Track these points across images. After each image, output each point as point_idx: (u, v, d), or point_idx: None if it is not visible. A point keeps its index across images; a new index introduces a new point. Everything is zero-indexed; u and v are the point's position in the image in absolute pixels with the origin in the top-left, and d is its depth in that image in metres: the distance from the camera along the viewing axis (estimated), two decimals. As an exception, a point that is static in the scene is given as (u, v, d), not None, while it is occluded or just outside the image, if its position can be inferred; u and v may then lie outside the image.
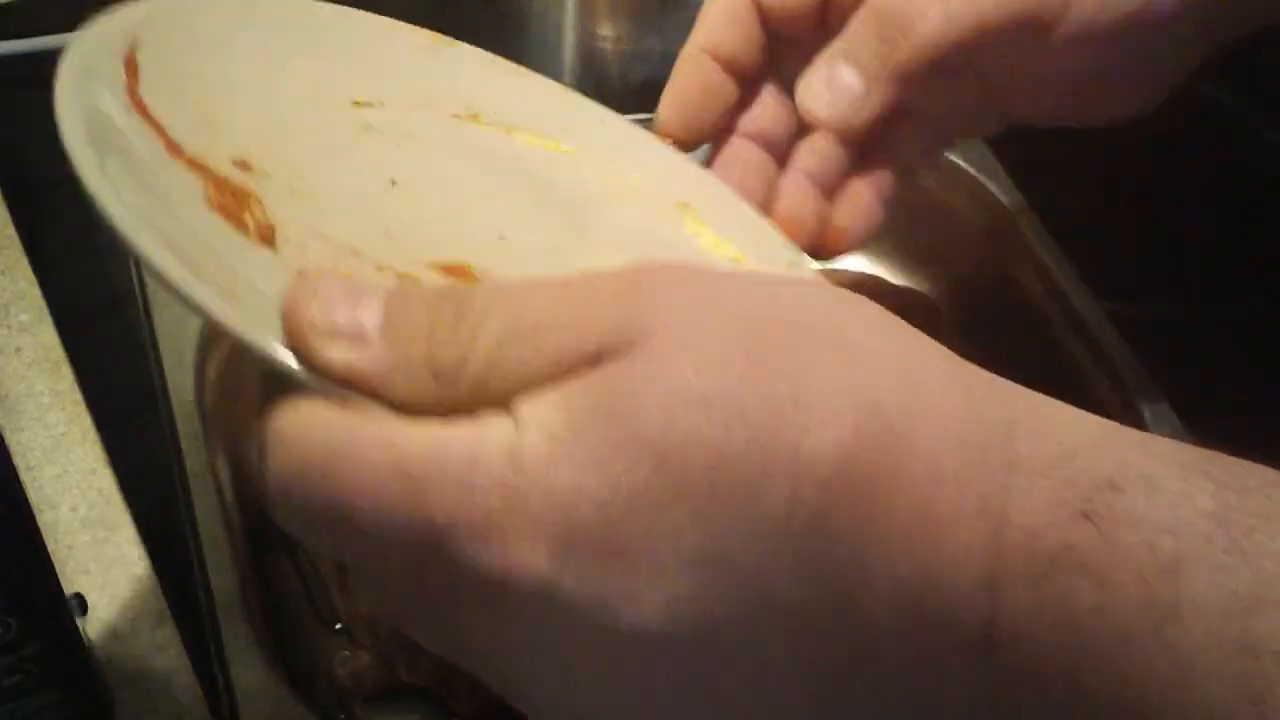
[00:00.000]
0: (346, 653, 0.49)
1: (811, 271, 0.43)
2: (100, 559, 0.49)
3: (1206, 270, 0.62)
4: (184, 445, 0.47)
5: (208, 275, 0.28)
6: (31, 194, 0.64)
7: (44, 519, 0.50)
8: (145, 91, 0.35)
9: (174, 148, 0.34)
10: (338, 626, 0.49)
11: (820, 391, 0.25)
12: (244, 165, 0.35)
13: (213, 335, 0.41)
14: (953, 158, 0.59)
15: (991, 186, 0.60)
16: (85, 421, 0.54)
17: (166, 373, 0.49)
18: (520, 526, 0.25)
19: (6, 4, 0.73)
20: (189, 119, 0.36)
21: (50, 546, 0.48)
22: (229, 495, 0.48)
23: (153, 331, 0.50)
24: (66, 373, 0.56)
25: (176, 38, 0.38)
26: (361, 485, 0.26)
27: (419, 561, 0.26)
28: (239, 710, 0.41)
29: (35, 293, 0.59)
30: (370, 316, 0.27)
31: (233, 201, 0.33)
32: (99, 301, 0.60)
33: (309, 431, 0.27)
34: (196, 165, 0.34)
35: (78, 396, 0.55)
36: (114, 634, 0.47)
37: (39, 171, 0.67)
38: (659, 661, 0.26)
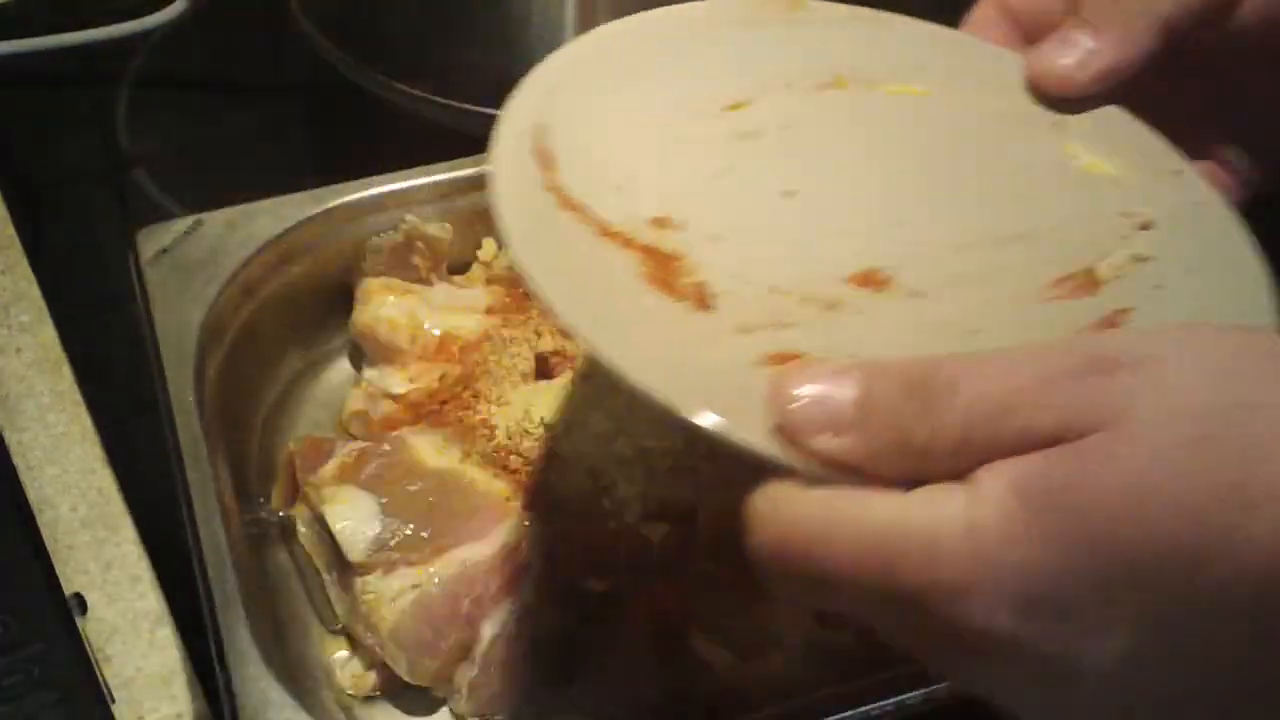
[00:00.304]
0: (346, 653, 0.49)
1: (1196, 179, 0.42)
2: (100, 559, 0.49)
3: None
4: (184, 445, 0.47)
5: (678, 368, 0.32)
6: (31, 194, 0.64)
7: (44, 519, 0.50)
8: (563, 176, 0.37)
9: (604, 230, 0.36)
10: (337, 626, 0.49)
11: (1263, 480, 0.28)
12: (662, 222, 0.37)
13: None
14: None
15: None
16: (85, 421, 0.54)
17: (166, 373, 0.49)
18: (982, 596, 0.28)
19: (5, 4, 0.73)
20: (605, 188, 0.38)
21: (50, 546, 0.48)
22: (229, 495, 0.48)
23: (153, 331, 0.50)
24: (66, 373, 0.56)
25: (578, 110, 0.39)
26: (838, 563, 0.30)
27: (901, 617, 0.30)
28: (239, 710, 0.41)
29: (35, 293, 0.59)
30: (844, 405, 0.30)
31: (664, 270, 0.36)
32: (99, 301, 0.60)
33: (785, 512, 0.30)
34: (624, 239, 0.36)
35: (78, 396, 0.55)
36: (114, 634, 0.47)
37: (39, 171, 0.67)
38: (1114, 691, 0.30)
